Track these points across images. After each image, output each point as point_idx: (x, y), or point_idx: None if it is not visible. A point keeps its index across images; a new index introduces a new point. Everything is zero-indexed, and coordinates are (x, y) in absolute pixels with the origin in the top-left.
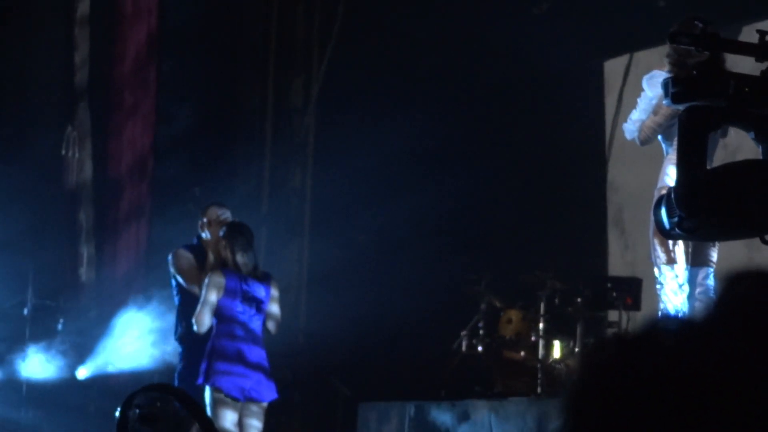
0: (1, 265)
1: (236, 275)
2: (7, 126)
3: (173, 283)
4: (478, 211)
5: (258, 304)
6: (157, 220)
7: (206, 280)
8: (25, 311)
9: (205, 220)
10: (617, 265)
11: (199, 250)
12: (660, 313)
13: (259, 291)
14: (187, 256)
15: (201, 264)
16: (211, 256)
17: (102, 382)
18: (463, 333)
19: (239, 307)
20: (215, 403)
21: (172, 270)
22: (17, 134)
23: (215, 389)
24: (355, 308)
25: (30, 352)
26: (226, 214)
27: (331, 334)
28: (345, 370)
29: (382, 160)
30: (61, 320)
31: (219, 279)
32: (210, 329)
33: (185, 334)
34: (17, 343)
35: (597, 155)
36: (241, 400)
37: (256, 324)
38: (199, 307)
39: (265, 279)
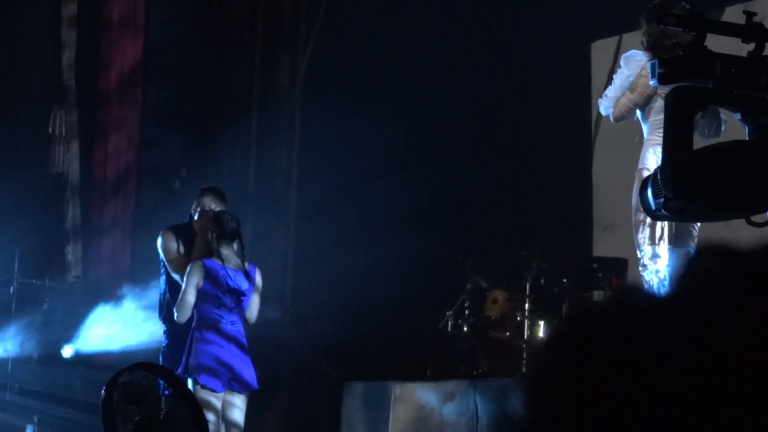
0: None
1: (219, 265)
2: None
3: (161, 262)
4: (464, 191)
5: (239, 296)
6: (145, 195)
7: (187, 271)
8: (11, 289)
9: (197, 209)
10: (602, 246)
11: (188, 230)
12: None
13: (242, 282)
14: (173, 241)
15: (188, 246)
16: (197, 246)
17: (87, 361)
18: (449, 313)
19: (220, 299)
20: (196, 389)
21: (159, 251)
22: (2, 113)
23: (196, 383)
24: (341, 288)
25: (15, 330)
26: (220, 208)
27: (316, 314)
28: (330, 350)
29: (369, 140)
30: (47, 299)
31: (199, 271)
32: (191, 318)
33: (170, 314)
34: (3, 320)
35: (583, 136)
36: (221, 391)
37: (236, 315)
38: (179, 300)
39: (249, 271)
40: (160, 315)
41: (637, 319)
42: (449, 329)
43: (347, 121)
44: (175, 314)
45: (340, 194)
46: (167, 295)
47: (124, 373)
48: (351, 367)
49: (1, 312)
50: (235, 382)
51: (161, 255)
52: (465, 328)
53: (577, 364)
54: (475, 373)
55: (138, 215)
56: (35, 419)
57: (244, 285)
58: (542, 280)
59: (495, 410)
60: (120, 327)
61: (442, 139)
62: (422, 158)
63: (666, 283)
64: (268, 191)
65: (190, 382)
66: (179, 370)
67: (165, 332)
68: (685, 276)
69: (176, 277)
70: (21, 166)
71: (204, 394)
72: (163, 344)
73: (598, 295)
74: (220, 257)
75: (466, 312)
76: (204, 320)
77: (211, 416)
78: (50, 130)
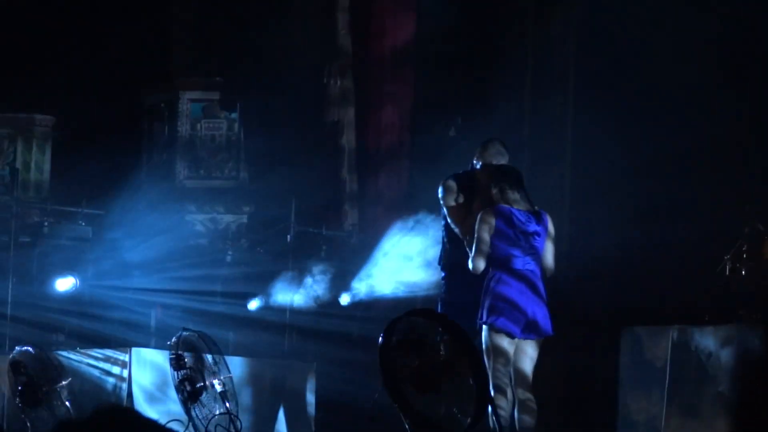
0: (264, 194)
1: (509, 210)
2: (268, 57)
3: (441, 211)
4: (743, 135)
5: (532, 240)
6: (420, 145)
7: (477, 220)
8: (288, 238)
9: (479, 162)
10: None
11: (469, 179)
12: None
13: (532, 225)
14: (453, 191)
15: (468, 195)
16: (481, 198)
17: (364, 308)
18: (727, 257)
19: (513, 239)
20: (491, 335)
21: (439, 199)
22: (280, 66)
23: (493, 328)
24: (618, 234)
25: (293, 279)
26: (503, 161)
27: (593, 260)
28: (607, 295)
29: (644, 87)
30: (324, 247)
31: (490, 218)
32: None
33: (448, 262)
34: (280, 269)
35: None
36: (519, 337)
37: (531, 258)
38: (473, 251)
39: (539, 215)
40: (439, 263)
41: None
42: (727, 273)
43: (622, 65)
44: (470, 266)
45: (616, 139)
46: (446, 243)
47: (402, 319)
48: (627, 312)
49: (279, 260)
50: (530, 330)
51: (441, 203)
52: (743, 272)
53: None
54: (753, 317)
55: (414, 161)
56: (314, 363)
57: (536, 227)
58: None
59: (733, 350)
60: (397, 274)
61: (721, 86)
62: (698, 104)
63: None
64: (542, 137)
65: (485, 329)
66: (479, 317)
67: (443, 279)
68: None
69: (455, 226)
70: (296, 116)
71: (498, 339)
72: (442, 291)
73: None
74: (508, 203)
75: (745, 256)
76: (498, 261)
77: (501, 361)
78: (325, 80)
